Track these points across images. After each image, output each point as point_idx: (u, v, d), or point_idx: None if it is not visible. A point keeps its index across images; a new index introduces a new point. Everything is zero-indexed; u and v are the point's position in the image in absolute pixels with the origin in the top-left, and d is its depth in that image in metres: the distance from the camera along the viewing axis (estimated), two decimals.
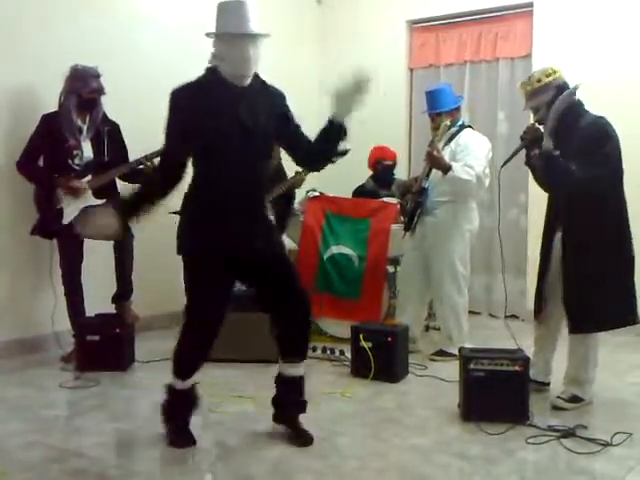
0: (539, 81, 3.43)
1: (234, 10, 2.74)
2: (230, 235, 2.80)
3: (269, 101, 2.86)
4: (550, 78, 3.42)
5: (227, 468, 2.77)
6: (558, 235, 3.47)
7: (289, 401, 3.04)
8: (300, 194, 5.20)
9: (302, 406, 3.05)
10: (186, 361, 2.94)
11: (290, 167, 4.70)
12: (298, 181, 4.72)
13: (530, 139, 3.48)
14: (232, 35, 2.73)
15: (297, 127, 2.95)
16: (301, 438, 2.97)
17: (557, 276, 3.48)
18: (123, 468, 2.78)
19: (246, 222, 2.82)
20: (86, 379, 3.83)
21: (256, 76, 2.85)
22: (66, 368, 4.05)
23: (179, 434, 2.93)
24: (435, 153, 4.18)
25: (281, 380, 3.04)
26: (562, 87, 3.42)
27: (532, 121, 3.50)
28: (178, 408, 2.97)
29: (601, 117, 3.40)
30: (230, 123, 2.74)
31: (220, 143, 2.75)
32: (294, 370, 3.00)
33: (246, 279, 3.06)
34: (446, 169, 4.15)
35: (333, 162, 2.99)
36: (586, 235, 3.34)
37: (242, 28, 2.72)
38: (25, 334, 4.35)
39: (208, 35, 2.80)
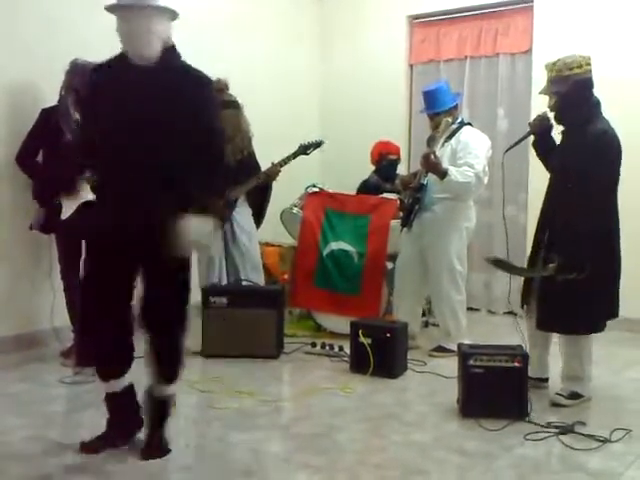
0: (559, 71, 3.37)
1: None
2: (110, 223, 2.61)
3: (182, 88, 2.56)
4: (571, 72, 3.34)
5: (226, 463, 2.77)
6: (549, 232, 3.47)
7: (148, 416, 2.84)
8: (297, 189, 5.18)
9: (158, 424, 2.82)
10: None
11: (264, 158, 4.72)
12: (273, 173, 4.67)
13: (538, 127, 3.47)
14: (117, 6, 2.53)
15: (203, 134, 2.62)
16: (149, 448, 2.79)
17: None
18: (122, 463, 2.78)
19: (128, 214, 2.58)
20: (85, 374, 3.83)
21: (173, 57, 2.60)
22: (65, 363, 4.04)
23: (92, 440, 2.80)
24: (432, 158, 4.15)
25: (147, 395, 2.84)
26: (581, 83, 3.36)
27: (547, 107, 3.44)
28: (109, 414, 2.84)
29: (609, 129, 3.35)
30: (116, 108, 2.52)
31: (104, 128, 2.54)
32: (161, 389, 2.81)
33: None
34: (443, 174, 4.13)
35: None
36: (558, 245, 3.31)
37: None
38: (24, 330, 4.34)
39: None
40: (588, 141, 3.29)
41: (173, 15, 2.63)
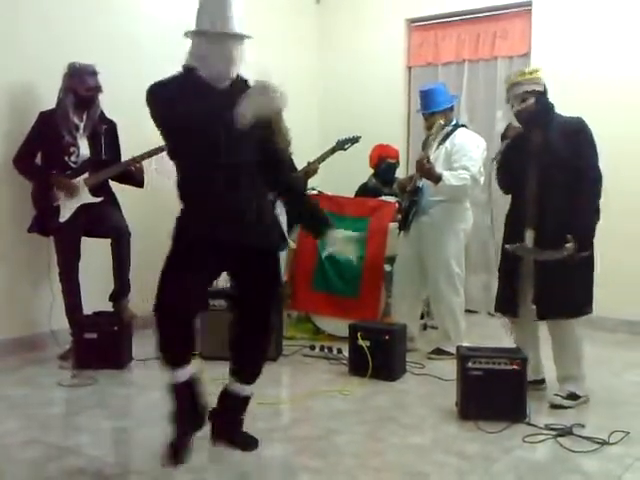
0: (531, 73, 3.51)
1: (217, 7, 2.60)
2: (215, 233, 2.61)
3: None
4: (539, 74, 3.51)
5: (225, 466, 2.77)
6: (529, 234, 3.47)
7: (229, 417, 2.81)
8: None
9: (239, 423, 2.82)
10: (166, 347, 2.65)
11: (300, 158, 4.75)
12: (312, 170, 4.69)
13: (512, 137, 3.52)
14: (215, 34, 2.59)
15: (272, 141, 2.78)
16: (244, 444, 2.79)
17: (528, 275, 3.48)
18: (121, 466, 2.78)
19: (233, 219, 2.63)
20: (84, 377, 3.83)
21: (238, 77, 2.70)
22: (64, 366, 4.04)
23: (171, 448, 2.60)
24: (425, 163, 4.16)
25: (226, 395, 2.82)
26: (546, 86, 3.52)
27: (518, 108, 3.50)
28: (178, 409, 2.66)
29: (580, 117, 3.48)
30: (211, 124, 2.56)
31: (200, 144, 2.58)
32: (240, 388, 2.79)
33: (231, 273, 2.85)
34: (437, 179, 4.14)
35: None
36: (558, 233, 3.35)
37: (226, 27, 2.58)
38: (23, 332, 4.34)
39: (187, 34, 2.64)
40: (565, 127, 3.42)
41: (248, 39, 2.70)
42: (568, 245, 3.31)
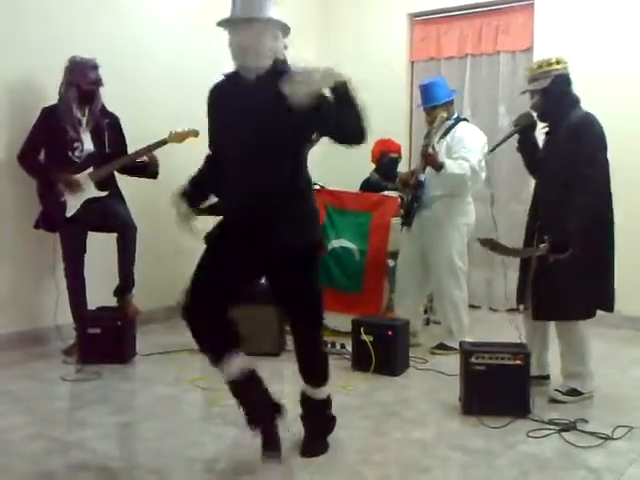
0: (540, 67, 3.49)
1: None
2: (247, 236, 2.59)
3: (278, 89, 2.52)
4: (551, 67, 3.46)
5: (228, 462, 2.78)
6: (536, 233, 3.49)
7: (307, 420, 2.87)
8: None
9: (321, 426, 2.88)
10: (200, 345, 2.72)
11: None
12: None
13: (523, 125, 3.53)
14: (225, 23, 2.59)
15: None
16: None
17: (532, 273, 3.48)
18: (125, 461, 2.79)
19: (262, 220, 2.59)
20: (87, 372, 3.84)
21: (277, 65, 2.62)
22: (68, 361, 4.05)
23: (263, 439, 2.68)
24: (430, 151, 4.19)
25: (302, 397, 2.87)
26: (561, 78, 3.45)
27: (529, 108, 3.54)
28: (241, 404, 2.70)
29: (589, 113, 3.42)
30: (234, 120, 2.57)
31: (224, 141, 2.64)
32: (311, 391, 2.84)
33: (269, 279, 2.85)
34: (439, 167, 4.16)
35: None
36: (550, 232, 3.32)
37: (235, 13, 2.56)
38: (27, 327, 4.35)
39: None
40: (571, 126, 3.37)
41: (284, 29, 2.71)
42: (541, 245, 3.27)
